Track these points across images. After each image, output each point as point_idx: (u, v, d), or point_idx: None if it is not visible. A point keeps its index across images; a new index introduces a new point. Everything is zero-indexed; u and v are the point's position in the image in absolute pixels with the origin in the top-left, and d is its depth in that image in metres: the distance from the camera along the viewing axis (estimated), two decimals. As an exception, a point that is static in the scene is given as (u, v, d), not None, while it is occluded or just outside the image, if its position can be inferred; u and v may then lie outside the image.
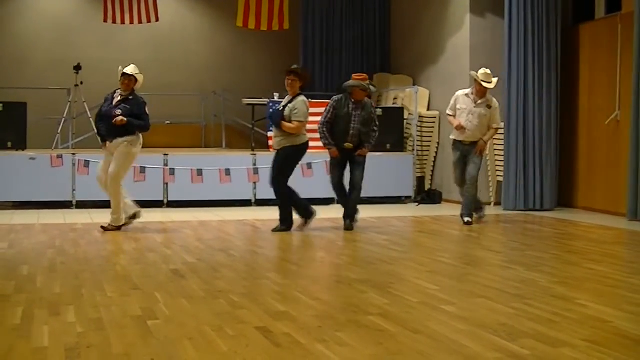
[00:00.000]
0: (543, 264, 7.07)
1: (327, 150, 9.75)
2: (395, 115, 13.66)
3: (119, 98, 9.11)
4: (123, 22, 15.07)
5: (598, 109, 11.84)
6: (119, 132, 8.98)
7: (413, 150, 13.62)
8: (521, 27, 11.90)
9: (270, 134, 12.92)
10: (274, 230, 9.26)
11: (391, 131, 13.32)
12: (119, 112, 8.91)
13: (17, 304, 5.20)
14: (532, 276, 6.42)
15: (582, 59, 12.21)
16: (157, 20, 15.20)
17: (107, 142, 9.09)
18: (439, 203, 13.24)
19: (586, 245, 8.43)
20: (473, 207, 10.32)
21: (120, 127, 8.92)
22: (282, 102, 9.36)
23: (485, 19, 12.87)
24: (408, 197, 13.40)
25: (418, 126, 13.70)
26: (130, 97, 9.11)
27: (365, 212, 10.46)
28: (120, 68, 9.16)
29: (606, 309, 5.17)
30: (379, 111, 13.65)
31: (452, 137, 10.38)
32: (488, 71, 10.09)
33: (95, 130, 9.44)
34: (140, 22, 15.12)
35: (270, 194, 12.03)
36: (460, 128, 10.05)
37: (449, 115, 10.39)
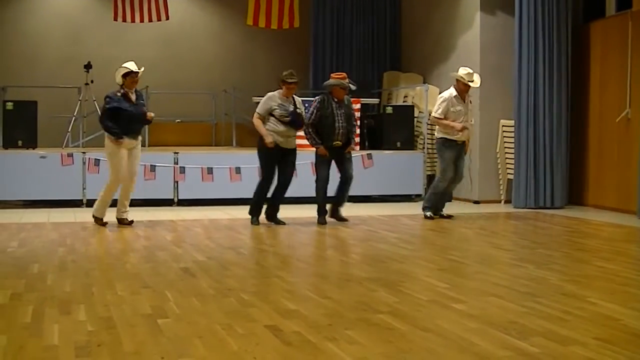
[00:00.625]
0: (553, 262, 7.05)
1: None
2: (406, 113, 13.66)
3: (134, 96, 9.32)
4: (133, 21, 15.10)
5: (608, 106, 11.81)
6: (140, 129, 9.52)
7: (423, 148, 13.60)
8: (531, 25, 11.88)
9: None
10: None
11: (401, 129, 13.32)
12: (145, 109, 9.39)
13: (28, 302, 5.22)
14: (543, 274, 6.41)
15: (593, 57, 12.17)
16: (167, 18, 15.23)
17: (125, 140, 9.26)
18: (449, 201, 13.18)
19: (597, 243, 8.41)
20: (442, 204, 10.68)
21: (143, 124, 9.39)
22: (278, 102, 9.56)
23: (496, 16, 12.84)
24: (418, 195, 13.37)
25: (428, 124, 13.67)
26: (139, 94, 9.49)
27: (375, 210, 10.48)
28: (125, 66, 9.22)
29: (617, 307, 5.15)
30: (389, 109, 13.74)
31: (446, 136, 10.26)
32: (469, 70, 10.17)
33: (109, 129, 9.25)
34: (150, 20, 15.15)
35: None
36: (464, 129, 10.11)
37: (439, 118, 10.18)
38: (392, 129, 13.47)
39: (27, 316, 4.82)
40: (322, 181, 9.93)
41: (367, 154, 12.84)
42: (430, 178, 13.72)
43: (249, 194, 12.34)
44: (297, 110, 9.55)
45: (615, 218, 10.69)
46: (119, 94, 9.24)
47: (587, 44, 12.28)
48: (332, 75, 10.07)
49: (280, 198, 9.82)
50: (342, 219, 9.96)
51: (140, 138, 9.55)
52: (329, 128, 9.71)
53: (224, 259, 7.17)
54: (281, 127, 9.46)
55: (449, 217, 10.51)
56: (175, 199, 12.11)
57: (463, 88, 10.11)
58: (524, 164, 11.92)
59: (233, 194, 12.31)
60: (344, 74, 10.00)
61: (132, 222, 9.60)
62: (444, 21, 14.00)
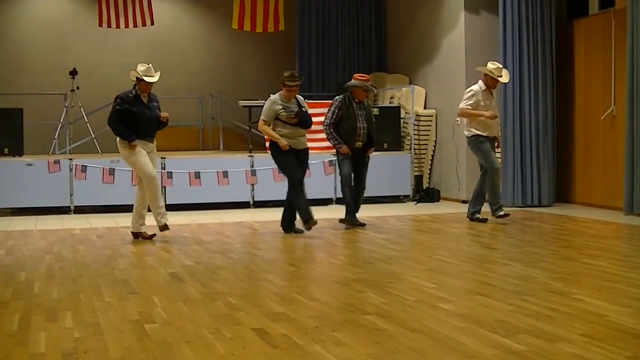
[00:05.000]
0: (541, 260, 7.08)
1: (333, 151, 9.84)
2: (392, 114, 13.66)
3: (146, 98, 8.74)
4: (118, 27, 15.09)
5: (594, 104, 11.85)
6: (155, 132, 8.92)
7: (410, 149, 13.62)
8: (516, 24, 11.91)
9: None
10: (308, 228, 9.09)
11: (388, 130, 13.31)
12: (157, 111, 8.82)
13: (15, 310, 5.20)
14: (530, 272, 6.43)
15: (577, 55, 12.22)
16: (152, 23, 15.22)
17: (140, 141, 8.65)
18: (437, 201, 13.25)
19: (584, 240, 8.44)
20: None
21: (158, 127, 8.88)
22: (282, 104, 9.04)
23: (480, 16, 12.87)
24: (406, 196, 13.40)
25: (415, 125, 13.70)
26: (152, 95, 8.89)
27: (363, 212, 10.44)
28: (133, 72, 8.57)
29: (603, 304, 5.18)
30: (375, 110, 13.75)
31: (477, 132, 9.94)
32: (499, 64, 9.98)
33: (120, 133, 8.66)
34: (135, 25, 15.15)
35: (269, 196, 12.08)
36: (494, 117, 9.85)
37: (470, 110, 9.90)
38: (379, 130, 13.39)
39: (14, 324, 4.81)
40: (345, 179, 9.73)
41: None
42: (418, 178, 13.76)
43: (237, 197, 12.41)
44: (303, 109, 9.15)
45: (602, 215, 10.72)
46: (130, 95, 8.67)
47: (571, 42, 12.33)
48: (354, 76, 9.88)
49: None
50: (361, 224, 9.77)
51: (155, 142, 8.95)
52: (351, 129, 9.58)
53: (212, 263, 7.17)
54: (288, 129, 9.02)
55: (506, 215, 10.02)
56: (163, 204, 12.05)
57: (491, 83, 9.91)
58: (510, 162, 11.94)
59: (221, 198, 12.31)
60: (367, 77, 9.91)
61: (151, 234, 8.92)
62: (428, 22, 14.03)
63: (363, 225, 9.77)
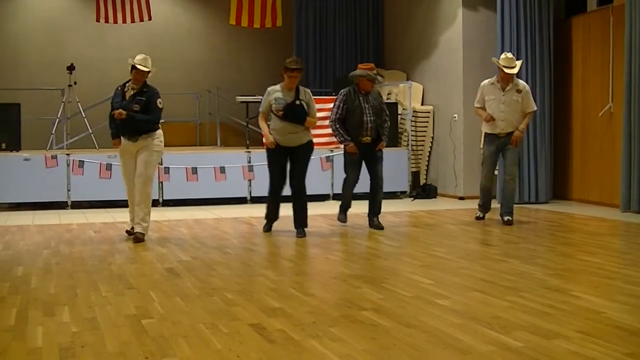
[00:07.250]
0: (538, 257, 7.09)
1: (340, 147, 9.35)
2: (389, 110, 13.58)
3: (131, 92, 8.25)
4: (116, 22, 15.07)
5: (591, 101, 11.87)
6: (139, 129, 8.21)
7: (407, 145, 13.61)
8: (514, 21, 11.93)
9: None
10: (300, 235, 8.72)
11: (385, 126, 13.29)
12: (136, 107, 8.09)
13: (12, 304, 5.20)
14: (527, 269, 6.43)
15: (575, 51, 12.23)
16: (150, 19, 15.20)
17: (122, 139, 8.33)
18: (434, 197, 13.26)
19: (581, 237, 8.45)
20: (513, 204, 9.75)
21: (138, 123, 8.17)
22: (277, 95, 8.49)
23: (478, 12, 12.87)
24: (403, 192, 13.40)
25: (412, 121, 13.70)
26: (145, 89, 8.29)
27: (360, 208, 10.45)
28: (130, 60, 8.25)
29: (600, 300, 5.19)
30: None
31: (484, 130, 9.71)
32: (509, 55, 9.42)
33: (111, 129, 8.51)
34: (132, 21, 15.12)
35: (266, 192, 12.04)
36: (490, 120, 9.44)
37: (477, 107, 9.72)
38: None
39: (11, 319, 4.81)
40: (350, 183, 9.38)
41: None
42: (415, 175, 13.76)
43: (234, 193, 12.42)
44: (297, 102, 8.42)
45: (599, 212, 10.74)
46: (119, 87, 8.38)
47: (569, 38, 12.34)
48: (358, 66, 9.33)
49: (296, 205, 8.80)
50: (378, 227, 9.28)
51: (144, 139, 8.25)
52: (357, 123, 9.02)
53: (209, 258, 7.17)
54: (279, 124, 8.47)
55: (508, 222, 9.55)
56: (160, 199, 12.08)
57: (502, 75, 9.37)
58: (508, 159, 11.95)
59: (218, 193, 12.31)
60: (372, 65, 9.30)
61: (136, 235, 8.37)
62: (426, 18, 14.02)
63: (381, 228, 9.28)
